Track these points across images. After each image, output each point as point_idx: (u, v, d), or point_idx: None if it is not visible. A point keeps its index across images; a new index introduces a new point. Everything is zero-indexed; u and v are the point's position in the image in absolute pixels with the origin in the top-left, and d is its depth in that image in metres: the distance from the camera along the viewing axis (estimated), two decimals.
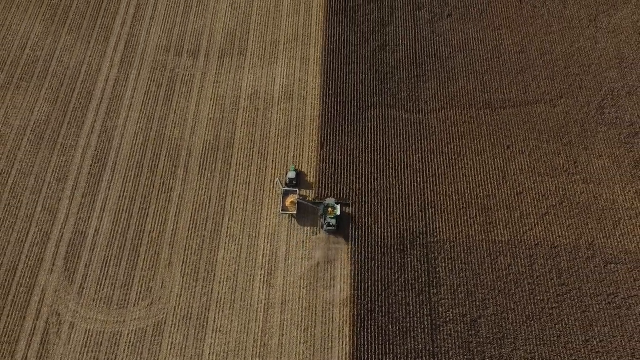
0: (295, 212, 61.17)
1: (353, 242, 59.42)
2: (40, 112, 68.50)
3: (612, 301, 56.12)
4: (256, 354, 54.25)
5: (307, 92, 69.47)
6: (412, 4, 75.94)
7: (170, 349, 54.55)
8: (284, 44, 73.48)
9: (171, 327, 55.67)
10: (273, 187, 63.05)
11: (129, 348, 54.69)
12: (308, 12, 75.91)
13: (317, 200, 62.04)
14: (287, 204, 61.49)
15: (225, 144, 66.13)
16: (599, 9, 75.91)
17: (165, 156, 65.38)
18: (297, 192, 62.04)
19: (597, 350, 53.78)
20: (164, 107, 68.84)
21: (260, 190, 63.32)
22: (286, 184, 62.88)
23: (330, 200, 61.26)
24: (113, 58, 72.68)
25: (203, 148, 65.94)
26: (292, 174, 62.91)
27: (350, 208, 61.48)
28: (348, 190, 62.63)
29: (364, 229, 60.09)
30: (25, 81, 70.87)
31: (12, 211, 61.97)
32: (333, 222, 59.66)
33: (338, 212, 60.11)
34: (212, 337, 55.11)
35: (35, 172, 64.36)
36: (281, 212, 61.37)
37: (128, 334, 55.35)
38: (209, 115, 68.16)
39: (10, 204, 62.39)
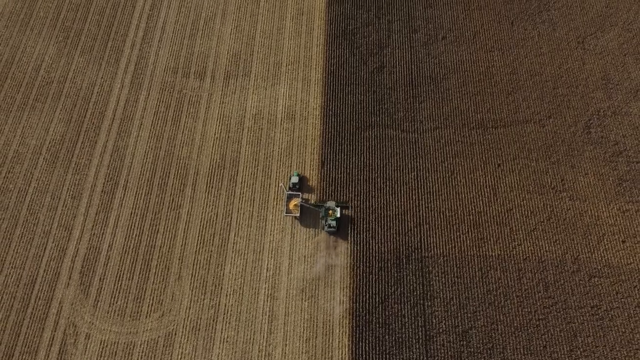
0: (298, 215, 65.07)
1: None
2: (55, 131, 72.03)
3: (595, 313, 59.54)
4: None
5: (308, 112, 72.96)
6: (408, 27, 79.42)
7: (181, 358, 58.02)
8: (286, 65, 76.97)
9: (181, 337, 59.17)
10: (276, 204, 66.56)
11: (141, 358, 58.17)
12: (309, 34, 79.43)
13: (318, 203, 66.01)
14: (291, 206, 65.41)
15: (231, 163, 69.63)
16: (587, 31, 79.35)
17: (174, 174, 68.90)
18: (300, 195, 66.06)
19: (580, 359, 57.24)
20: (172, 127, 72.36)
21: (264, 207, 66.81)
22: (289, 188, 66.90)
23: (331, 203, 65.33)
24: (123, 79, 76.21)
25: (210, 166, 69.45)
26: (295, 179, 66.99)
27: (350, 210, 65.01)
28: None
29: (362, 244, 63.59)
30: (40, 102, 74.42)
31: (30, 227, 65.50)
32: (333, 223, 63.76)
33: (338, 214, 64.17)
34: (219, 347, 58.60)
35: (51, 190, 67.89)
36: (285, 214, 65.27)
37: (141, 345, 58.85)
38: (215, 134, 71.67)
39: (28, 221, 65.92)
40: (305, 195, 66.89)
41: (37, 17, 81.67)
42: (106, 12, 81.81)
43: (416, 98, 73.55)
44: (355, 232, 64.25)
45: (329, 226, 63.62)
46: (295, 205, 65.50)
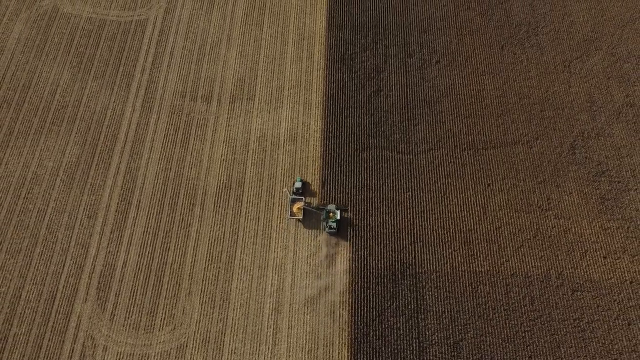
0: (301, 217, 70.42)
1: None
2: (71, 154, 76.21)
3: (578, 325, 63.68)
4: None
5: (309, 135, 77.11)
6: (404, 52, 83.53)
7: None
8: (289, 89, 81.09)
9: (192, 349, 63.36)
10: (280, 222, 70.74)
11: None
12: (310, 59, 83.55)
13: (320, 207, 71.60)
14: (294, 209, 70.84)
15: (237, 183, 73.78)
16: (573, 55, 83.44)
17: (184, 194, 73.06)
18: (303, 199, 71.51)
19: None
20: (181, 149, 76.52)
21: (268, 225, 70.96)
22: (293, 193, 72.37)
23: (331, 206, 70.74)
24: (134, 103, 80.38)
25: (217, 187, 73.60)
26: (298, 184, 72.54)
27: (349, 213, 69.31)
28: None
29: (359, 261, 67.78)
30: (57, 125, 78.59)
31: (49, 245, 69.69)
32: (334, 224, 69.41)
33: (338, 217, 69.95)
34: (227, 358, 62.77)
35: (68, 209, 72.06)
36: (289, 217, 70.66)
37: (154, 356, 63.04)
38: (221, 156, 75.82)
39: (47, 239, 70.10)
40: (308, 199, 71.67)
41: (52, 43, 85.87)
42: (117, 38, 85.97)
43: (411, 120, 77.67)
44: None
45: (330, 227, 69.05)
46: (298, 208, 70.66)
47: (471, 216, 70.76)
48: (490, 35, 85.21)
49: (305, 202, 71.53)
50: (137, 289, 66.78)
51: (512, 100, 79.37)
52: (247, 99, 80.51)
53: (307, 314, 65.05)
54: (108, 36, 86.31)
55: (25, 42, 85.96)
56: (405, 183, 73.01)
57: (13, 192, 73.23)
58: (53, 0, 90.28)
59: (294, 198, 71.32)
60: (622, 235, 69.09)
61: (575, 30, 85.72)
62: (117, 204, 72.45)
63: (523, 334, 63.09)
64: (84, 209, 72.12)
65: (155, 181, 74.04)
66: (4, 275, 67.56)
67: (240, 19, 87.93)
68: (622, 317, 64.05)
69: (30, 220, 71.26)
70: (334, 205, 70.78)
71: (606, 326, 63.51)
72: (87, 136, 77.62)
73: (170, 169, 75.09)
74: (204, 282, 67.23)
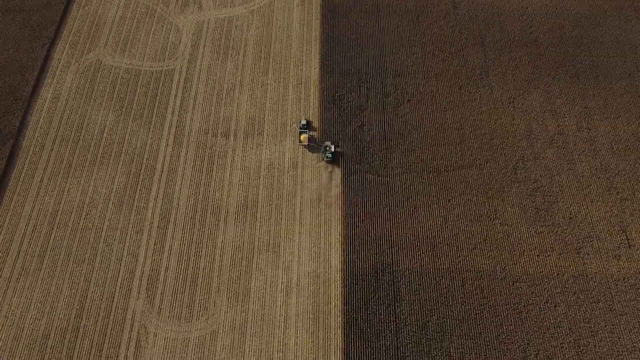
0: (306, 144, 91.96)
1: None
2: (119, 182, 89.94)
3: (516, 308, 77.99)
4: (280, 350, 76.14)
5: (308, 162, 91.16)
6: (382, 93, 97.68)
7: (222, 348, 76.34)
8: (290, 125, 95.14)
9: (222, 334, 77.34)
10: (286, 235, 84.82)
11: (194, 350, 76.36)
12: (306, 100, 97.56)
13: (319, 144, 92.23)
14: (302, 138, 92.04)
15: (252, 203, 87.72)
16: (516, 92, 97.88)
17: (210, 213, 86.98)
18: (308, 132, 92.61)
19: (505, 342, 75.80)
20: (206, 176, 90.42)
21: (278, 235, 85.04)
22: (300, 128, 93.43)
23: (328, 143, 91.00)
24: (168, 139, 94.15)
25: (236, 206, 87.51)
26: (303, 121, 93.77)
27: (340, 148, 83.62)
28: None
29: (348, 263, 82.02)
30: (106, 159, 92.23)
31: (106, 256, 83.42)
32: (330, 155, 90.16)
33: (333, 149, 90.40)
34: (250, 339, 76.85)
35: (120, 227, 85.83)
36: (299, 143, 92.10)
37: (193, 340, 76.97)
38: (239, 181, 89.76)
39: (105, 251, 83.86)
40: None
41: (97, 90, 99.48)
42: (151, 85, 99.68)
43: (388, 149, 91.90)
44: (345, 242, 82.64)
45: (327, 157, 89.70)
46: (304, 137, 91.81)
47: (435, 225, 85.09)
48: (450, 78, 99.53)
49: (310, 136, 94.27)
50: (178, 288, 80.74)
51: (468, 131, 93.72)
52: (257, 134, 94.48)
53: (309, 305, 79.19)
54: (143, 83, 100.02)
55: (76, 89, 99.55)
56: (384, 200, 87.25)
57: (75, 213, 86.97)
58: (96, 54, 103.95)
59: (301, 130, 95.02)
60: (551, 237, 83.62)
61: (518, 71, 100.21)
62: (158, 221, 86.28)
63: (474, 317, 77.47)
64: (132, 226, 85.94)
65: (188, 203, 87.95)
66: (72, 280, 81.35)
67: (249, 67, 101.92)
68: (550, 301, 78.52)
69: (91, 236, 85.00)
70: (330, 142, 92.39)
71: (538, 308, 77.95)
72: (131, 167, 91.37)
73: (199, 192, 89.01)
74: (229, 281, 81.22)
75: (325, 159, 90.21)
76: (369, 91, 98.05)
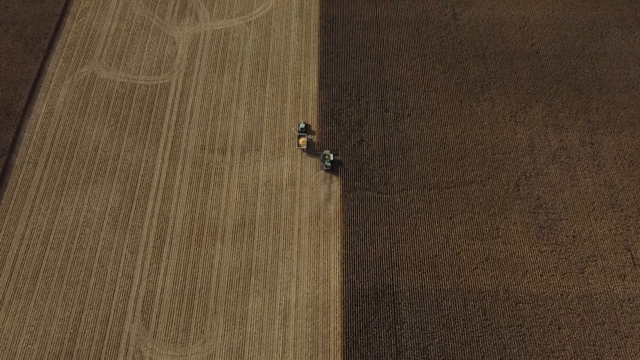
0: (305, 147, 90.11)
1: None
2: (114, 200, 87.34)
3: (519, 330, 75.69)
4: None
5: (307, 179, 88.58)
6: (381, 107, 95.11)
7: None
8: (288, 140, 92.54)
9: (219, 358, 74.91)
10: (285, 254, 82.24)
11: None
12: (305, 114, 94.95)
13: (317, 152, 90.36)
14: (300, 142, 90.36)
15: (249, 221, 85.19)
16: (518, 106, 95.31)
17: (207, 232, 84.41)
18: (306, 135, 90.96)
19: None
20: (203, 194, 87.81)
21: (276, 255, 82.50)
22: (299, 131, 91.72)
23: (326, 151, 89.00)
24: (163, 155, 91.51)
25: (233, 225, 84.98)
26: (302, 125, 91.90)
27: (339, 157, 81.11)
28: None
29: (348, 283, 79.50)
30: (101, 176, 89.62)
31: (100, 277, 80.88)
32: (329, 164, 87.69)
33: (332, 158, 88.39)
34: None
35: (114, 247, 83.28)
36: (297, 147, 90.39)
37: None
38: (236, 199, 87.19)
39: (99, 272, 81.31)
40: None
41: (92, 105, 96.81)
42: (146, 100, 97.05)
43: (388, 165, 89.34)
44: (344, 262, 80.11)
45: (326, 166, 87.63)
46: (303, 141, 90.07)
47: (437, 244, 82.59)
48: (451, 91, 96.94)
49: (307, 138, 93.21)
50: (174, 311, 78.19)
51: (469, 146, 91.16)
52: (255, 150, 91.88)
53: (308, 327, 76.73)
54: (138, 98, 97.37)
55: (70, 104, 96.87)
56: (384, 218, 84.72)
57: (69, 233, 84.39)
58: (91, 68, 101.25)
59: (300, 134, 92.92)
60: (555, 257, 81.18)
61: (520, 85, 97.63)
62: (154, 241, 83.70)
63: (477, 339, 75.07)
64: (127, 246, 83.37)
65: (184, 221, 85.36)
66: (66, 303, 78.79)
67: (247, 81, 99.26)
68: (554, 322, 76.14)
69: (85, 257, 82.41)
70: (329, 150, 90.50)
71: (542, 330, 75.60)
72: (126, 185, 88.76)
73: (195, 210, 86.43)
74: (226, 303, 78.69)
75: (324, 167, 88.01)
76: (368, 105, 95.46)
